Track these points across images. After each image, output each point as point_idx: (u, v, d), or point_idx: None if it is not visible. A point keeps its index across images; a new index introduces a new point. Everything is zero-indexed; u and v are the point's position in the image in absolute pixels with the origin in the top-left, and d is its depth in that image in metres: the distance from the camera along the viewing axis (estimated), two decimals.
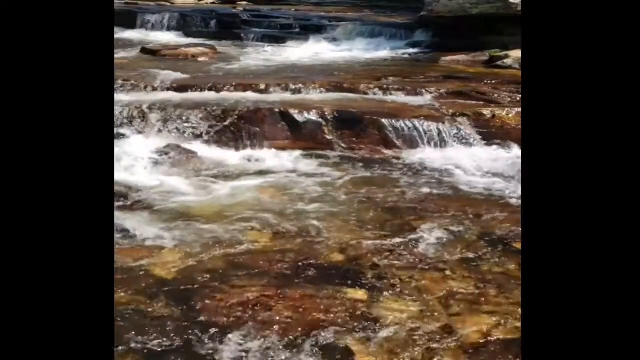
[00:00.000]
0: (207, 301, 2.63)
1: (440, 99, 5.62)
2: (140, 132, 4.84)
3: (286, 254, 3.09)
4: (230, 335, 2.40)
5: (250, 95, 5.49)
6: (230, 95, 5.49)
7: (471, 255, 3.11)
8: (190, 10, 11.02)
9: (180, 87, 5.68)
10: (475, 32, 7.79)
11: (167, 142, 4.71)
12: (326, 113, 4.99)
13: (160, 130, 4.84)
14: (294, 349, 2.34)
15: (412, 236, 3.31)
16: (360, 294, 2.73)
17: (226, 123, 4.89)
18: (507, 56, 7.15)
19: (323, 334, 2.43)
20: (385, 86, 5.87)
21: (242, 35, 9.46)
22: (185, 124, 4.87)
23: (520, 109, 5.03)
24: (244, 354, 2.31)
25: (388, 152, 4.80)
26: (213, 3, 13.43)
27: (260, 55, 7.90)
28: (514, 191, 3.99)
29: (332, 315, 2.56)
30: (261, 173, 4.36)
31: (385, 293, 2.74)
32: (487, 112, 5.20)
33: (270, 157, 4.66)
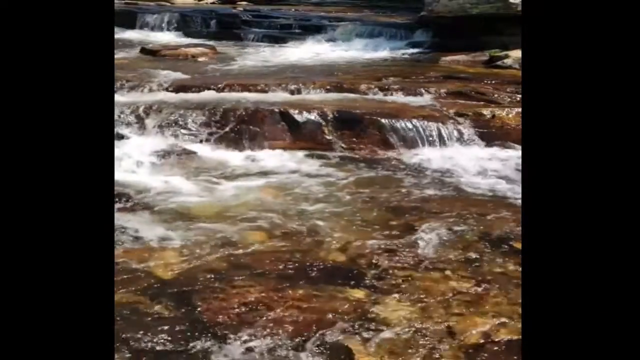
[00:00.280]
0: (208, 301, 2.63)
1: (440, 99, 5.61)
2: (140, 133, 4.84)
3: (287, 254, 3.09)
4: (231, 336, 2.40)
5: (250, 95, 5.49)
6: (230, 96, 5.48)
7: (472, 255, 3.11)
8: (190, 11, 11.01)
9: (180, 88, 5.68)
10: (475, 32, 7.78)
11: (166, 142, 4.71)
12: (326, 113, 4.99)
13: (159, 131, 4.84)
14: (294, 349, 2.34)
15: (413, 236, 3.30)
16: (361, 294, 2.73)
17: (226, 123, 4.89)
18: (507, 56, 7.15)
19: (324, 334, 2.42)
20: (385, 86, 5.87)
21: (242, 35, 9.45)
22: (185, 125, 4.87)
23: (520, 109, 5.03)
24: (244, 354, 2.30)
25: (388, 152, 4.80)
26: (213, 3, 13.43)
27: (260, 56, 7.89)
28: (513, 191, 3.99)
29: (333, 315, 2.56)
30: (262, 173, 4.35)
31: (386, 293, 2.74)
32: (487, 112, 5.19)
33: (270, 158, 4.66)
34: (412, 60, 7.71)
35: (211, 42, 8.60)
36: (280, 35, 9.41)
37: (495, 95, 5.65)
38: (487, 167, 4.54)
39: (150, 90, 5.64)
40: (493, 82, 6.22)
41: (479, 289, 2.78)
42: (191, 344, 2.35)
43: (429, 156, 4.72)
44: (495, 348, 2.38)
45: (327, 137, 4.89)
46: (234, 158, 4.63)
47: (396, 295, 2.72)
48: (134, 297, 2.65)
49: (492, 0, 7.69)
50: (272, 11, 11.73)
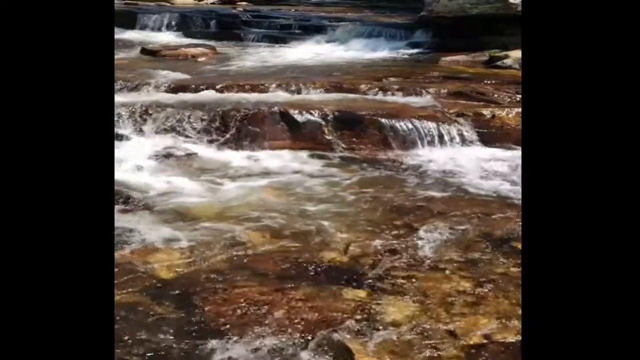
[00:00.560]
0: (210, 301, 2.63)
1: (440, 99, 5.61)
2: (140, 133, 4.84)
3: (289, 254, 3.09)
4: (232, 336, 2.40)
5: (250, 95, 5.49)
6: (230, 96, 5.49)
7: (472, 255, 3.11)
8: (190, 11, 11.02)
9: (180, 88, 5.69)
10: (475, 32, 7.78)
11: (167, 142, 4.71)
12: (326, 113, 4.99)
13: (160, 131, 4.84)
14: (296, 348, 2.34)
15: (414, 237, 3.30)
16: (362, 294, 2.73)
17: (226, 124, 4.89)
18: (507, 56, 7.15)
19: (325, 334, 2.42)
20: (385, 86, 5.87)
21: (242, 35, 9.46)
22: (185, 125, 4.87)
23: (520, 109, 5.03)
24: (246, 354, 2.30)
25: (388, 153, 4.80)
26: (213, 3, 13.44)
27: (260, 56, 7.90)
28: (513, 191, 3.99)
29: (334, 315, 2.56)
30: (262, 173, 4.36)
31: (387, 293, 2.74)
32: (487, 112, 5.19)
33: (270, 158, 4.66)
34: (412, 60, 7.71)
35: (211, 43, 8.60)
36: (280, 35, 9.42)
37: (495, 96, 5.65)
38: (487, 167, 4.54)
39: (150, 90, 5.64)
40: (493, 82, 6.22)
41: (480, 289, 2.78)
42: (192, 344, 2.35)
43: (429, 156, 4.72)
44: (496, 348, 2.38)
45: (327, 137, 4.89)
46: (234, 158, 4.63)
47: (397, 296, 2.72)
48: (136, 297, 2.65)
49: (492, 0, 7.69)
50: (272, 11, 11.74)
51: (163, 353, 2.30)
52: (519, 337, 2.38)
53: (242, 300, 2.65)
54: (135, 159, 4.43)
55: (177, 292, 2.71)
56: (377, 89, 5.78)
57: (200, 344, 2.35)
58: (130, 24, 10.10)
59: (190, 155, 4.56)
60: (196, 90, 5.63)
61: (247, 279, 2.84)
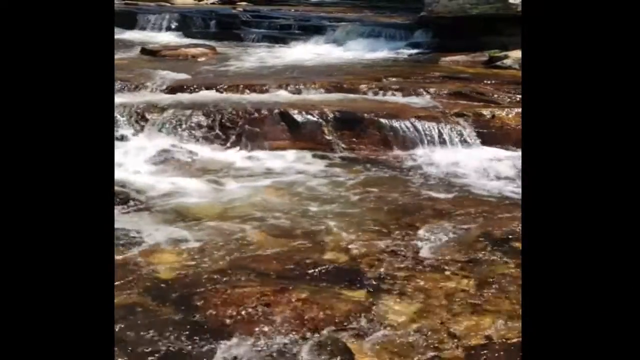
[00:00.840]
0: (210, 302, 2.63)
1: (440, 99, 5.61)
2: (140, 134, 4.84)
3: (290, 254, 3.09)
4: (233, 336, 2.40)
5: (250, 95, 5.49)
6: (230, 96, 5.49)
7: (473, 256, 3.11)
8: (190, 11, 11.02)
9: (180, 88, 5.68)
10: (475, 32, 7.78)
11: (166, 143, 4.71)
12: (326, 113, 4.99)
13: (159, 131, 4.84)
14: (296, 348, 2.34)
15: (413, 237, 3.30)
16: (362, 295, 2.73)
17: (226, 124, 4.89)
18: (506, 56, 7.15)
19: (326, 334, 2.43)
20: (385, 87, 5.87)
21: (242, 35, 9.46)
22: (185, 125, 4.87)
23: (520, 110, 5.03)
24: (246, 354, 2.30)
25: (388, 153, 4.80)
26: (213, 3, 13.44)
27: (260, 56, 7.89)
28: (513, 191, 3.99)
29: (335, 315, 2.56)
30: (263, 173, 4.36)
31: (387, 293, 2.74)
32: (486, 112, 5.19)
33: (270, 158, 4.66)
34: (412, 60, 7.71)
35: (211, 43, 8.60)
36: (280, 35, 9.42)
37: (495, 96, 5.65)
38: (486, 167, 4.54)
39: (150, 90, 5.64)
40: (493, 82, 6.22)
41: (482, 290, 2.78)
42: (193, 344, 2.35)
43: (429, 156, 4.72)
44: (496, 348, 2.38)
45: (327, 138, 4.89)
46: (235, 158, 4.63)
47: (397, 296, 2.72)
48: (137, 298, 2.65)
49: (492, 0, 7.69)
50: (272, 12, 11.74)
51: (164, 353, 2.30)
52: (520, 337, 2.38)
53: (243, 300, 2.65)
54: (135, 159, 4.43)
55: (178, 292, 2.71)
56: (377, 89, 5.78)
57: (201, 344, 2.35)
58: (130, 24, 10.10)
59: (189, 156, 4.56)
60: (196, 90, 5.63)
61: (249, 279, 2.84)
